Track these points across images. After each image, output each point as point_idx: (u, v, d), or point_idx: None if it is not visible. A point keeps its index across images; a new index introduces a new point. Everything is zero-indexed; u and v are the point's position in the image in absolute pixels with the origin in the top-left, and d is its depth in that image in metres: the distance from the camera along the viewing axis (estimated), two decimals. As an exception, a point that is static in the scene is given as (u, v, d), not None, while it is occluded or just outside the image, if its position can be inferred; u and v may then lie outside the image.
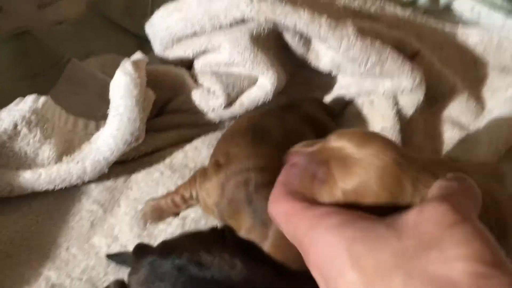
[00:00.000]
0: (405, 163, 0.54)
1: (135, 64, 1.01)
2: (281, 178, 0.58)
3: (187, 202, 0.93)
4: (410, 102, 1.19)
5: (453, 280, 0.40)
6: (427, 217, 0.45)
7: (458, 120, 1.30)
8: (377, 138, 0.57)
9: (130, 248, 0.92)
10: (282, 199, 0.55)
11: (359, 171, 0.53)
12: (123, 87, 0.96)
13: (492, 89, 1.36)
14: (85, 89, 1.18)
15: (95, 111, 1.09)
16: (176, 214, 0.94)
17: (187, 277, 0.69)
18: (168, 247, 0.77)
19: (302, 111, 1.01)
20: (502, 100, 1.30)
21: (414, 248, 0.42)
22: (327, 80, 1.22)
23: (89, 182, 1.01)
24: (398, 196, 0.52)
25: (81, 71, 1.23)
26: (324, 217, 0.49)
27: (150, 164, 1.05)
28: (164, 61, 1.17)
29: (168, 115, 1.11)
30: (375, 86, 1.17)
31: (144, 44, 1.26)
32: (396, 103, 1.20)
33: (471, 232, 0.43)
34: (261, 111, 0.99)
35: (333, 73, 1.16)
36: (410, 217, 0.46)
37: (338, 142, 0.57)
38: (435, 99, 1.31)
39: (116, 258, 0.89)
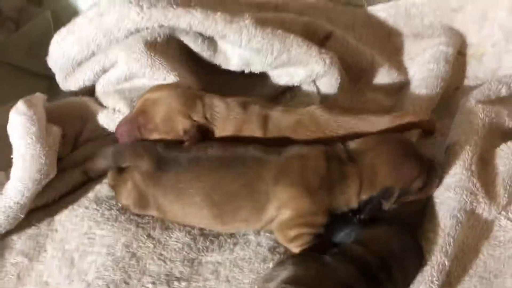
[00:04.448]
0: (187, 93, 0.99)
1: (28, 102, 0.96)
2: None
3: None
4: (329, 84, 1.18)
5: None
6: None
7: (383, 92, 1.30)
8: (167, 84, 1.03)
9: (61, 290, 0.87)
10: None
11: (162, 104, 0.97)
12: (19, 127, 0.92)
13: (411, 56, 1.37)
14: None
15: (4, 161, 1.03)
16: None
17: None
18: None
19: None
20: (421, 64, 1.32)
21: None
22: (244, 82, 1.20)
23: (10, 234, 0.95)
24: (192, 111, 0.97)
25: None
26: None
27: (73, 201, 1.00)
28: (69, 92, 1.13)
29: (82, 147, 1.06)
30: (291, 78, 1.16)
31: (54, 84, 1.21)
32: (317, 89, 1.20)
33: None
34: None
35: (246, 71, 1.14)
36: None
37: (142, 99, 0.99)
38: (358, 76, 1.31)
39: None
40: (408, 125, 1.02)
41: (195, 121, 0.97)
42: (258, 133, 0.98)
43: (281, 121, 1.00)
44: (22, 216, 0.93)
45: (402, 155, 0.90)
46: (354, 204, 0.89)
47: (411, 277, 0.83)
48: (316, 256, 0.84)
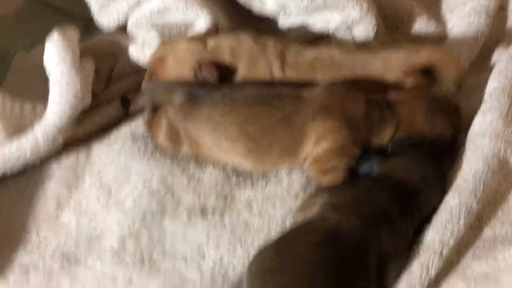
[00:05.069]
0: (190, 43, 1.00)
1: (63, 33, 1.00)
2: None
3: None
4: (365, 31, 1.16)
5: None
6: None
7: (420, 43, 1.28)
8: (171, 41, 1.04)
9: (100, 218, 0.91)
10: None
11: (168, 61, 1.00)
12: (55, 56, 0.96)
13: (450, 8, 1.34)
14: (34, 79, 1.15)
15: (43, 95, 1.06)
16: None
17: None
18: None
19: None
20: (461, 17, 1.29)
21: None
22: (278, 28, 1.20)
23: (50, 163, 0.99)
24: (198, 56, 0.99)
25: (28, 62, 1.20)
26: None
27: (109, 136, 1.03)
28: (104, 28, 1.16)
29: (116, 82, 1.09)
30: (327, 24, 1.15)
31: (90, 24, 1.23)
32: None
33: None
34: None
35: (280, 15, 1.13)
36: None
37: (151, 61, 1.03)
38: (394, 26, 1.29)
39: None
40: (426, 62, 1.01)
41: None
42: (275, 66, 0.98)
43: (299, 56, 1.00)
44: (60, 141, 0.96)
45: (439, 107, 0.94)
46: (383, 145, 0.92)
47: (435, 205, 0.85)
48: (351, 182, 0.86)
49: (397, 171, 0.86)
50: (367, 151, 0.91)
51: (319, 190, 0.87)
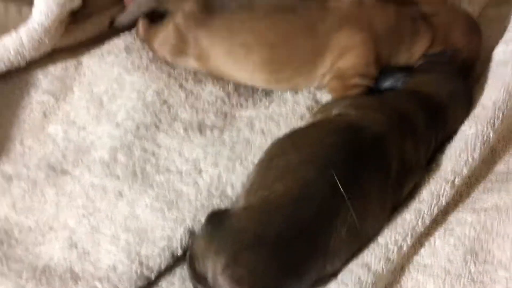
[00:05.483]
0: None
1: None
2: None
3: None
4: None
5: None
6: None
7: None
8: None
9: (89, 129, 0.85)
10: None
11: None
12: None
13: None
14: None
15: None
16: None
17: None
18: None
19: None
20: None
21: None
22: None
23: (36, 72, 0.92)
24: None
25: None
26: None
27: (102, 48, 0.95)
28: None
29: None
30: None
31: None
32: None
33: None
34: None
35: None
36: None
37: None
38: None
39: None
40: None
41: None
42: None
43: None
44: (47, 42, 0.88)
45: (475, 25, 0.91)
46: (413, 62, 0.87)
47: (459, 121, 0.80)
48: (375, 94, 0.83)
49: (425, 85, 0.81)
50: (391, 68, 0.85)
51: (339, 99, 0.82)
